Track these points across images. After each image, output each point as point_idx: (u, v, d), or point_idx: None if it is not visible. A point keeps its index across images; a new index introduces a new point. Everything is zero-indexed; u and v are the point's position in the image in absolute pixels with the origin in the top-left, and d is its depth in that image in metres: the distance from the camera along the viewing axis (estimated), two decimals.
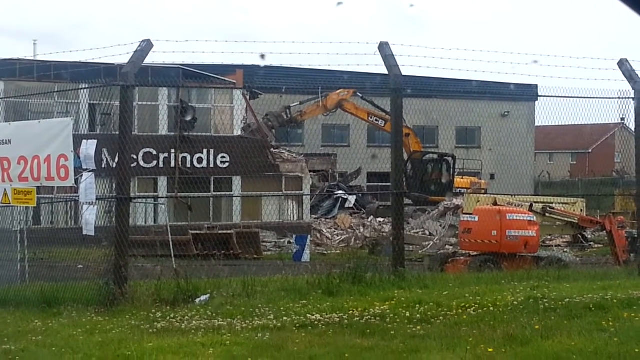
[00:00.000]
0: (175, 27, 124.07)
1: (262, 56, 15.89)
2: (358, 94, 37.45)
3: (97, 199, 14.13)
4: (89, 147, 14.06)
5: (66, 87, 29.49)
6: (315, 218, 38.16)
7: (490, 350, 9.58)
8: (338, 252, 25.36)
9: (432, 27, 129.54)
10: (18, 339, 10.90)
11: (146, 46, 14.50)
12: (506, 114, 63.77)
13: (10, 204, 14.91)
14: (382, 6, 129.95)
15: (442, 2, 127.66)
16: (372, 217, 37.19)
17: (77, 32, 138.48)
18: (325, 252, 29.53)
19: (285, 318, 11.62)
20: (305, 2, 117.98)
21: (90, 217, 13.97)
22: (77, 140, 14.53)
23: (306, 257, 26.88)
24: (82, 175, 14.15)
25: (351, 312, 12.00)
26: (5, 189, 14.71)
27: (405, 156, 34.26)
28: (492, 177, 54.60)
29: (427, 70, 18.29)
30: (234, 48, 35.39)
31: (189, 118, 35.71)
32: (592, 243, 32.48)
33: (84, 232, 13.97)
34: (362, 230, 33.74)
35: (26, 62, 35.74)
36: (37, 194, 14.99)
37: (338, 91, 37.65)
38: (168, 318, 11.87)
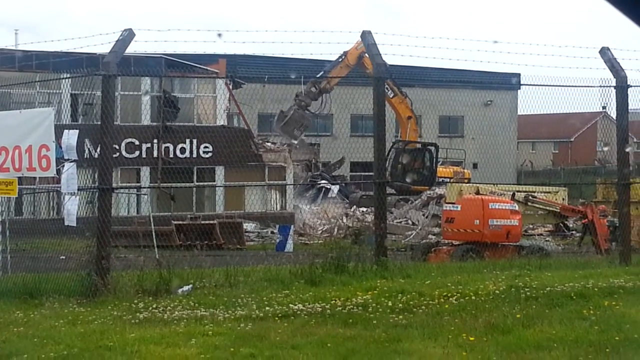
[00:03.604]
0: (155, 15, 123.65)
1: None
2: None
3: (79, 190, 14.07)
4: (70, 137, 14.00)
5: (48, 77, 29.36)
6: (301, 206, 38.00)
7: (471, 339, 9.64)
8: (321, 242, 25.35)
9: (412, 18, 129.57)
10: None
11: (128, 35, 14.44)
12: (489, 102, 63.90)
13: None
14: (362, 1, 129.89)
15: None
16: (355, 206, 37.20)
17: (56, 22, 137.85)
18: (308, 242, 29.53)
19: (267, 308, 11.64)
20: None
21: (72, 208, 13.91)
22: (59, 130, 14.47)
23: (289, 247, 26.87)
24: (63, 166, 14.09)
25: (333, 301, 12.03)
26: None
27: (388, 146, 34.23)
28: (475, 166, 54.72)
29: (410, 59, 18.34)
30: (215, 37, 35.22)
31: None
32: (574, 232, 32.61)
33: (66, 223, 13.91)
34: (345, 220, 33.76)
35: (7, 51, 35.58)
36: (19, 184, 14.92)
37: (355, 44, 37.17)
38: (150, 308, 11.85)
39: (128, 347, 9.49)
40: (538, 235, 31.04)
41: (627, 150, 17.72)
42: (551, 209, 26.89)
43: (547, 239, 30.42)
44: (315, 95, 39.96)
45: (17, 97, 32.07)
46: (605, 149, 59.27)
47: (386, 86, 39.86)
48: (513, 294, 12.22)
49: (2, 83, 29.08)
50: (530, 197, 26.44)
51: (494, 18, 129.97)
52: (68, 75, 24.38)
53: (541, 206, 26.56)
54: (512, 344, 9.53)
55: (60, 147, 14.16)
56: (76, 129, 14.31)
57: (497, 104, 63.59)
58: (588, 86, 18.58)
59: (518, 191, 26.79)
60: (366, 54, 38.69)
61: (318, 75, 39.93)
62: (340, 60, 38.70)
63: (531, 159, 65.45)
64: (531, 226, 30.80)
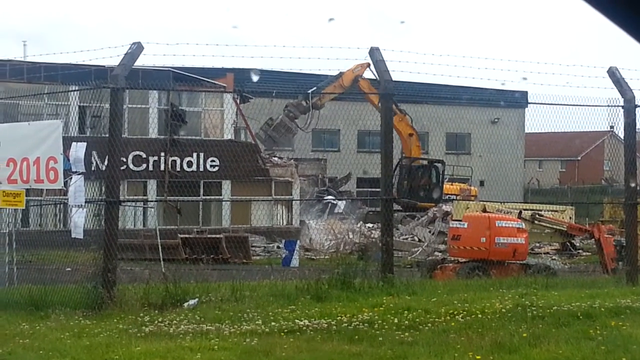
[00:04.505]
0: (164, 29, 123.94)
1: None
2: (371, 68, 36.91)
3: (86, 202, 14.09)
4: (78, 149, 14.02)
5: (56, 89, 29.41)
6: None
7: (478, 357, 9.60)
8: (327, 257, 25.31)
9: (419, 34, 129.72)
10: (5, 342, 10.87)
11: (137, 49, 14.48)
12: (496, 120, 63.87)
13: None
14: (371, 19, 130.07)
15: (430, 13, 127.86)
16: (361, 222, 37.16)
17: (63, 34, 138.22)
18: (314, 257, 29.50)
19: (273, 323, 11.62)
20: (296, 12, 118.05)
21: (79, 220, 13.92)
22: (67, 142, 14.49)
23: (295, 262, 26.80)
24: (71, 178, 14.10)
25: (339, 317, 12.01)
26: None
27: (395, 161, 34.22)
28: (482, 183, 54.67)
29: (417, 76, 18.36)
30: (224, 52, 35.30)
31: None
32: (580, 251, 32.53)
33: (73, 235, 13.92)
34: (351, 235, 33.71)
35: (15, 63, 35.67)
36: (26, 196, 14.93)
37: (352, 67, 37.28)
38: (156, 322, 11.85)
39: None
40: (545, 253, 30.94)
41: (632, 185, 17.65)
42: (558, 227, 26.84)
43: (553, 257, 30.33)
44: (304, 109, 40.04)
45: (25, 108, 32.10)
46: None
47: None
48: (519, 313, 12.18)
49: (11, 94, 29.17)
50: (537, 216, 26.39)
51: (501, 36, 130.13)
52: (77, 88, 24.45)
53: (548, 225, 26.50)
54: None
55: (68, 160, 14.18)
56: (84, 141, 14.32)
57: (504, 121, 63.53)
58: (595, 105, 18.59)
59: (525, 209, 26.74)
60: (362, 77, 39.00)
61: (310, 91, 40.02)
62: (334, 80, 38.80)
63: (538, 177, 65.33)
64: (538, 245, 30.72)
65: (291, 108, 40.11)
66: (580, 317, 11.99)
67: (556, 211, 28.45)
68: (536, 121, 20.32)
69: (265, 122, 40.68)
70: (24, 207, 15.38)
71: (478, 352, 9.86)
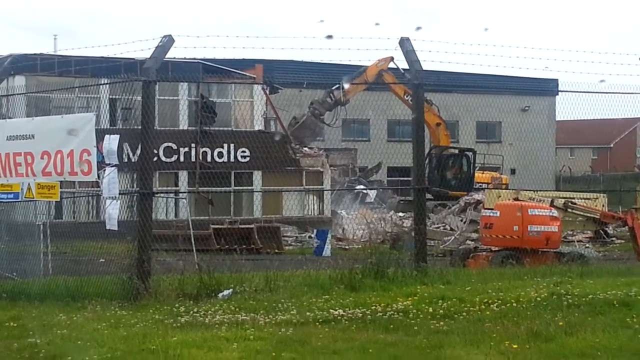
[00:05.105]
0: (193, 20, 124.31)
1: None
2: (394, 63, 36.81)
3: (119, 194, 14.16)
4: (111, 141, 14.07)
5: (87, 82, 29.58)
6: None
7: (514, 346, 9.57)
8: (359, 247, 25.31)
9: (448, 23, 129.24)
10: (44, 333, 10.98)
11: (167, 41, 14.52)
12: (526, 108, 63.56)
13: (33, 198, 14.95)
14: (400, 9, 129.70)
15: (459, 2, 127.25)
16: (392, 211, 37.14)
17: (94, 27, 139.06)
18: (347, 247, 29.53)
19: (308, 313, 11.64)
20: (324, 3, 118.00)
21: (113, 212, 13.99)
22: (99, 134, 14.56)
23: (327, 251, 26.88)
24: (104, 170, 14.18)
25: (374, 307, 12.02)
26: (29, 184, 14.76)
27: (426, 151, 34.09)
28: (513, 172, 54.43)
29: (447, 65, 18.28)
30: (253, 43, 35.32)
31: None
32: (613, 239, 32.34)
33: (107, 227, 13.99)
34: (382, 225, 33.70)
35: (47, 57, 35.92)
36: (59, 188, 15.03)
37: (375, 61, 37.26)
38: (191, 312, 11.92)
39: (170, 351, 9.53)
40: (577, 241, 30.79)
41: None
42: (591, 215, 26.70)
43: (587, 245, 30.17)
44: (330, 105, 40.03)
45: (57, 101, 32.29)
46: None
47: (410, 98, 39.96)
48: (555, 302, 12.12)
49: (42, 88, 29.35)
50: (569, 204, 26.29)
51: (531, 23, 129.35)
52: (108, 81, 24.58)
53: (581, 212, 26.37)
54: (555, 352, 9.45)
55: (100, 152, 14.25)
56: (115, 133, 14.38)
57: (534, 109, 63.23)
58: (627, 92, 18.43)
59: (557, 197, 26.62)
60: (385, 71, 38.93)
61: (334, 87, 40.02)
62: (358, 75, 38.77)
63: (570, 165, 64.97)
64: (571, 232, 30.57)
65: (316, 105, 40.14)
66: (617, 305, 11.90)
67: (589, 199, 28.30)
68: (567, 109, 20.20)
69: (290, 122, 40.74)
70: (58, 199, 15.46)
71: (514, 341, 9.83)
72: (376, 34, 43.95)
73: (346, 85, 38.81)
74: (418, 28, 66.88)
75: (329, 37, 17.35)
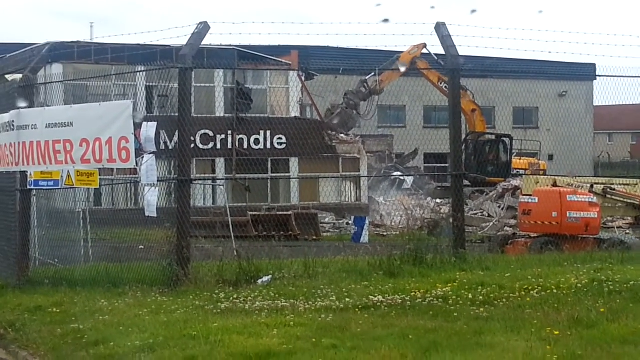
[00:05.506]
0: (228, 7, 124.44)
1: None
2: (427, 49, 36.66)
3: (158, 181, 14.22)
4: (149, 129, 14.12)
5: (124, 69, 29.70)
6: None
7: (556, 332, 9.50)
8: (397, 233, 25.26)
9: (485, 9, 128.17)
10: (86, 319, 11.10)
11: (203, 28, 14.55)
12: (564, 93, 63.06)
13: (73, 185, 15.05)
14: None
15: None
16: (429, 198, 37.05)
17: (129, 14, 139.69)
18: (384, 234, 29.49)
19: (347, 299, 11.66)
20: None
21: (152, 199, 14.06)
22: (136, 122, 14.61)
23: (365, 238, 26.85)
24: (142, 157, 14.24)
25: (413, 293, 12.01)
26: (68, 171, 14.86)
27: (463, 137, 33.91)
28: (551, 157, 54.04)
29: (484, 50, 18.19)
30: (288, 29, 35.38)
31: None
32: None
33: (147, 214, 14.06)
34: (420, 211, 33.61)
35: (84, 44, 36.14)
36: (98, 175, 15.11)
37: (408, 49, 37.15)
38: (231, 299, 11.98)
39: (212, 337, 9.58)
40: (617, 228, 30.48)
41: None
42: (631, 201, 26.43)
43: (627, 232, 29.86)
44: (364, 95, 39.96)
45: (94, 89, 32.47)
46: None
47: (444, 84, 39.85)
48: (596, 288, 12.04)
49: (79, 76, 29.53)
50: (608, 190, 26.05)
51: (568, 7, 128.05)
52: (145, 68, 24.68)
53: (620, 198, 26.13)
54: (597, 338, 9.37)
55: (137, 139, 14.31)
56: (151, 120, 14.43)
57: (572, 94, 62.71)
58: None
59: (596, 183, 26.38)
60: (419, 58, 38.75)
61: (368, 77, 39.90)
62: (391, 63, 38.61)
63: (608, 151, 64.34)
64: (610, 219, 30.28)
65: (351, 96, 40.11)
66: None
67: (628, 185, 27.99)
68: (605, 94, 20.00)
69: (325, 114, 40.73)
70: (97, 187, 15.56)
71: (555, 327, 9.76)
72: (411, 19, 43.62)
73: (379, 75, 38.75)
74: (473, 11, 66.21)
75: (385, 20, 17.33)
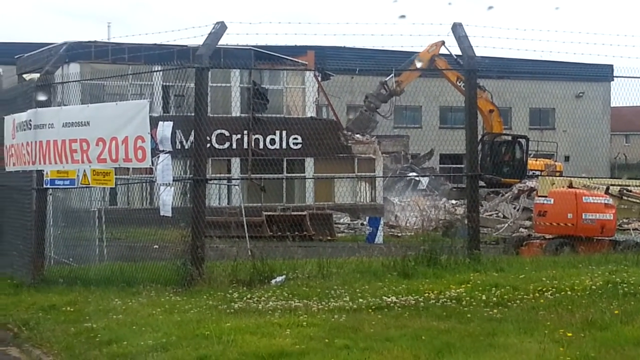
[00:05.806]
0: (244, 7, 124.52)
1: None
2: (446, 48, 36.54)
3: (173, 180, 14.26)
4: (165, 128, 14.16)
5: (140, 69, 29.77)
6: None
7: (569, 334, 9.48)
8: (411, 234, 25.23)
9: (502, 9, 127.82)
10: (100, 317, 11.15)
11: (220, 28, 14.58)
12: (581, 94, 62.81)
13: (89, 184, 15.10)
14: None
15: None
16: (444, 199, 36.99)
17: (146, 14, 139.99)
18: (399, 234, 29.46)
19: (360, 300, 11.66)
20: None
21: (167, 198, 14.11)
22: (152, 121, 14.65)
23: (379, 239, 26.84)
24: (158, 157, 14.27)
25: (427, 294, 12.00)
26: (84, 170, 14.91)
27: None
28: (567, 159, 53.86)
29: (500, 51, 18.15)
30: (305, 29, 35.44)
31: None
32: None
33: (162, 213, 14.10)
34: (435, 212, 33.57)
35: (101, 44, 36.25)
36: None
37: (427, 47, 37.07)
38: (245, 298, 12.00)
39: (224, 336, 9.59)
40: (633, 230, 30.36)
41: None
42: None
43: None
44: (385, 97, 39.89)
45: (110, 89, 32.52)
46: None
47: (462, 84, 39.66)
48: (610, 290, 11.99)
49: (96, 75, 29.63)
50: (625, 191, 25.92)
51: (584, 5, 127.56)
52: (162, 68, 24.74)
53: (636, 200, 25.99)
54: (611, 340, 9.33)
55: (153, 139, 14.35)
56: (167, 120, 14.46)
57: (588, 96, 62.48)
58: None
59: (612, 185, 26.27)
60: (438, 56, 38.61)
61: (387, 78, 39.81)
62: (410, 63, 38.53)
63: (625, 152, 64.07)
64: (626, 220, 30.15)
65: (371, 99, 40.05)
66: None
67: None
68: (623, 95, 19.94)
69: (347, 113, 40.76)
70: (113, 186, 15.61)
71: (569, 329, 9.74)
72: (428, 20, 43.58)
73: (398, 74, 38.65)
74: (490, 7, 65.96)
75: (402, 16, 17.41)
